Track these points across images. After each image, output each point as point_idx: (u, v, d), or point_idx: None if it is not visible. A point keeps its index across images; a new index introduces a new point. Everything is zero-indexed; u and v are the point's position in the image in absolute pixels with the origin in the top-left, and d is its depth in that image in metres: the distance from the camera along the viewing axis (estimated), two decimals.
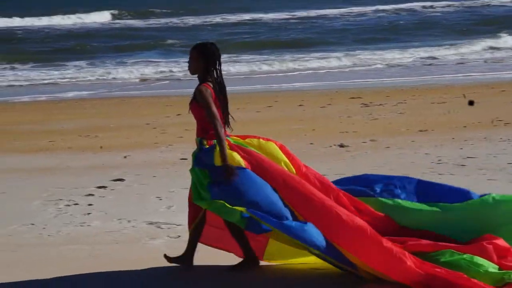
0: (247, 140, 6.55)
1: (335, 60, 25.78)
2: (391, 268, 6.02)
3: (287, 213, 6.22)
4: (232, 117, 6.74)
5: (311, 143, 12.76)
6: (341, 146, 12.46)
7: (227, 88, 6.70)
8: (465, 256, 5.99)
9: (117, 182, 10.45)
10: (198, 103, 6.49)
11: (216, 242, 6.87)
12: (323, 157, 11.72)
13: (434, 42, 29.79)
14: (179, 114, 15.70)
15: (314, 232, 6.08)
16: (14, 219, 8.75)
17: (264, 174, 6.36)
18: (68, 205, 9.34)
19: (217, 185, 6.30)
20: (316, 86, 20.74)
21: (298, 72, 24.04)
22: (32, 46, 31.95)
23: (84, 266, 6.94)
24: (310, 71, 24.17)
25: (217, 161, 6.36)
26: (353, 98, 17.68)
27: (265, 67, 25.08)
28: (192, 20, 40.74)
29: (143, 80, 23.46)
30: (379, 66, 24.80)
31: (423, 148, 12.02)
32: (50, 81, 23.65)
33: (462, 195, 6.39)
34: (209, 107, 6.42)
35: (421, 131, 13.50)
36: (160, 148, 12.80)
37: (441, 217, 6.29)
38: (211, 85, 6.52)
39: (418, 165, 10.89)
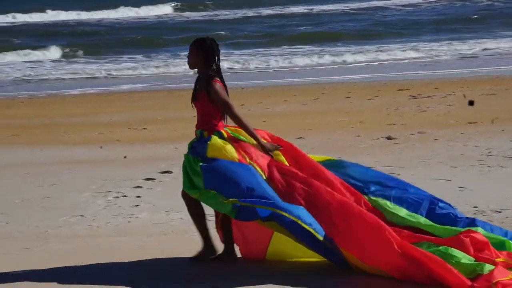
0: (243, 132, 6.65)
1: (389, 52, 25.61)
2: (372, 248, 6.11)
3: (279, 201, 6.30)
4: None
5: (358, 136, 12.73)
6: (389, 138, 12.42)
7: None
8: (440, 247, 6.03)
9: (165, 174, 10.53)
10: (209, 98, 6.58)
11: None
12: (371, 149, 11.70)
13: (491, 33, 29.40)
14: None
15: (306, 212, 6.19)
16: (65, 211, 8.87)
17: (258, 165, 6.49)
18: (117, 197, 9.43)
19: (210, 171, 6.38)
20: (364, 78, 20.66)
21: (353, 65, 23.93)
22: (88, 39, 32.16)
23: (132, 258, 6.99)
24: (363, 64, 24.06)
25: (210, 153, 6.48)
26: (401, 90, 17.57)
27: (316, 59, 25.00)
28: (244, 12, 40.80)
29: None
30: (435, 58, 24.58)
31: (472, 140, 11.91)
32: (105, 74, 23.88)
33: (452, 220, 6.43)
34: (229, 104, 6.55)
35: (470, 123, 13.39)
36: None
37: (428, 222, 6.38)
38: (219, 79, 6.62)
39: (468, 157, 10.81)
